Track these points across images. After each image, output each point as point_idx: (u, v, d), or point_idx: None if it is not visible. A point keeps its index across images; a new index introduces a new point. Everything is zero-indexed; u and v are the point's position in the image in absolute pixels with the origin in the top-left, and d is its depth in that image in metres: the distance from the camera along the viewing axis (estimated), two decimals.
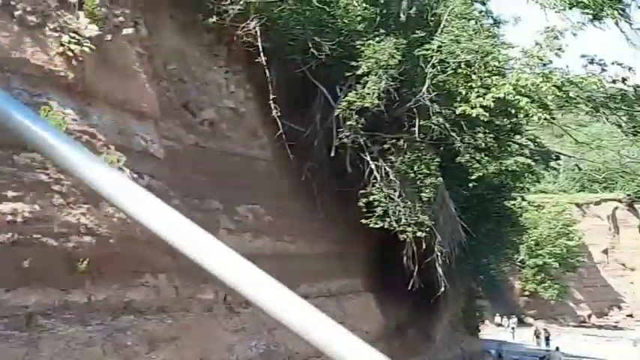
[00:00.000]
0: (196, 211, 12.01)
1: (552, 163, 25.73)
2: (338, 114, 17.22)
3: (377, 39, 17.12)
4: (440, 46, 16.49)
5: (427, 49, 17.01)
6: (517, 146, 21.77)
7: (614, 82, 16.33)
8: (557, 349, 36.07)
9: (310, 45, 16.21)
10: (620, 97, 17.01)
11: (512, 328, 60.23)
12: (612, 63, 15.46)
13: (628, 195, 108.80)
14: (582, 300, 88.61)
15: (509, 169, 22.05)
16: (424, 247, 17.70)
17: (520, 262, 73.53)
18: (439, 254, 18.07)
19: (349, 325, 18.34)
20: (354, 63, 17.07)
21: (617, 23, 14.11)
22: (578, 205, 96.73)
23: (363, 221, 17.59)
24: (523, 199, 36.61)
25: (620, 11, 13.53)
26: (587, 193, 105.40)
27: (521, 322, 68.24)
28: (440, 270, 18.28)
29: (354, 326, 18.53)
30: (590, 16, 13.17)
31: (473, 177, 19.19)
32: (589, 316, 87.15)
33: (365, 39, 17.32)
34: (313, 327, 2.28)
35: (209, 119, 14.62)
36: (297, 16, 16.27)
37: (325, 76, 17.42)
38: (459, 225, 18.24)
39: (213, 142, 14.69)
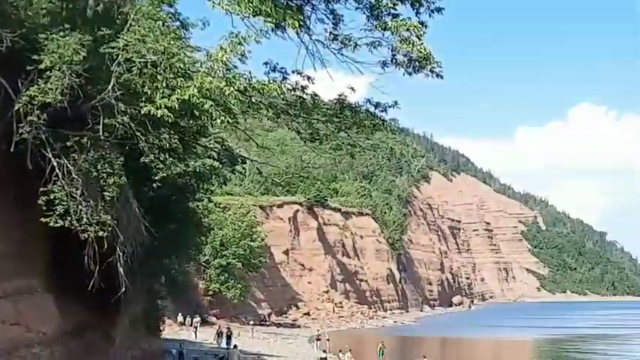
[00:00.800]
0: None
1: (238, 167, 26.51)
2: (18, 108, 16.49)
3: (61, 33, 16.64)
4: (126, 45, 16.37)
5: (113, 47, 16.79)
6: (203, 148, 22.14)
7: (294, 89, 17.19)
8: (236, 347, 37.25)
9: None
10: (299, 105, 18.00)
11: (195, 328, 60.91)
12: (293, 72, 16.29)
13: (308, 199, 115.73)
14: (263, 299, 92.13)
15: (195, 170, 22.40)
16: (106, 246, 17.47)
17: (205, 262, 74.73)
18: (121, 254, 17.92)
19: (24, 326, 17.59)
20: (36, 57, 16.45)
21: (297, 33, 14.88)
22: (262, 207, 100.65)
23: (43, 220, 16.98)
24: (210, 201, 37.36)
25: (301, 22, 14.29)
26: (271, 196, 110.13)
27: (205, 322, 69.24)
28: (121, 270, 18.12)
29: (30, 327, 17.82)
30: (273, 25, 13.79)
31: (157, 177, 19.29)
32: (269, 315, 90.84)
33: (49, 33, 16.76)
34: None
35: None
36: None
37: (6, 69, 16.57)
38: (143, 225, 18.21)
39: None
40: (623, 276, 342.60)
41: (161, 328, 24.69)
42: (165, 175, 19.55)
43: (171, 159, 19.37)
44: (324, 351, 49.14)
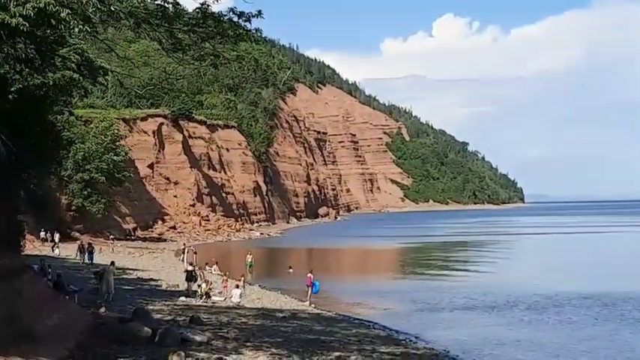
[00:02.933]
0: None
1: (100, 78, 25.65)
2: None
3: None
4: None
5: None
6: (62, 60, 21.29)
7: None
8: (113, 263, 36.79)
9: None
10: (160, 14, 17.51)
11: (54, 243, 59.62)
12: None
13: (173, 112, 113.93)
14: (128, 213, 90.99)
15: (54, 82, 21.53)
16: None
17: (67, 177, 72.86)
18: None
19: None
20: None
21: None
22: (125, 120, 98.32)
23: None
24: (71, 114, 36.24)
25: None
26: (134, 109, 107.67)
27: (69, 237, 67.95)
28: None
29: None
30: None
31: (13, 89, 18.45)
32: (134, 229, 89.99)
33: None
34: None
35: None
36: None
37: None
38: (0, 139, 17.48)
39: None
40: (484, 185, 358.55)
41: (21, 244, 23.99)
42: (21, 86, 18.71)
43: (28, 70, 18.54)
44: (191, 264, 49.08)
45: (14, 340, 17.91)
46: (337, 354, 21.87)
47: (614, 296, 39.77)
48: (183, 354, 19.58)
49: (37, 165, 23.72)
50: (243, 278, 42.26)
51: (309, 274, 40.27)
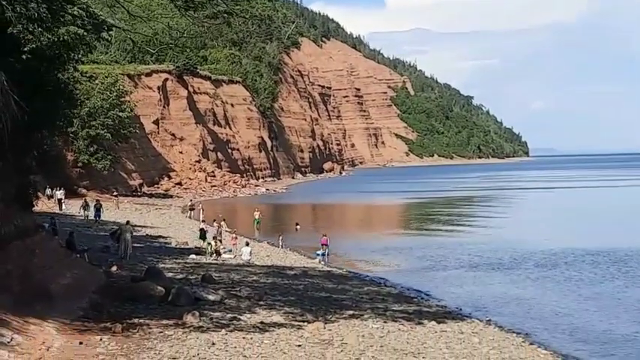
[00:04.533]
0: None
1: (104, 34, 25.31)
2: None
3: None
4: None
5: None
6: (70, 17, 21.03)
7: None
8: (128, 222, 36.89)
9: None
10: None
11: (59, 200, 59.48)
12: None
13: (177, 67, 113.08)
14: (134, 170, 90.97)
15: (63, 39, 21.26)
16: None
17: (73, 133, 72.68)
18: None
19: None
20: None
21: None
22: (130, 76, 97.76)
23: None
24: (76, 70, 35.86)
25: None
26: (139, 64, 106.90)
27: (74, 194, 67.98)
28: None
29: None
30: None
31: (26, 49, 18.28)
32: (140, 185, 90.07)
33: None
34: None
35: None
36: None
37: None
38: (12, 99, 17.32)
39: None
40: (489, 139, 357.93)
41: (34, 203, 24.01)
42: (34, 46, 18.51)
43: (40, 29, 18.31)
44: (203, 220, 49.40)
45: (29, 300, 18.02)
46: (350, 312, 22.00)
47: (622, 252, 39.85)
48: (197, 313, 19.75)
49: (49, 124, 23.59)
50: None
51: (324, 236, 40.79)
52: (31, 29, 18.20)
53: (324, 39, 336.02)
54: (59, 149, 70.74)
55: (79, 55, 24.67)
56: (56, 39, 19.61)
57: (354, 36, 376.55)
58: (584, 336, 21.99)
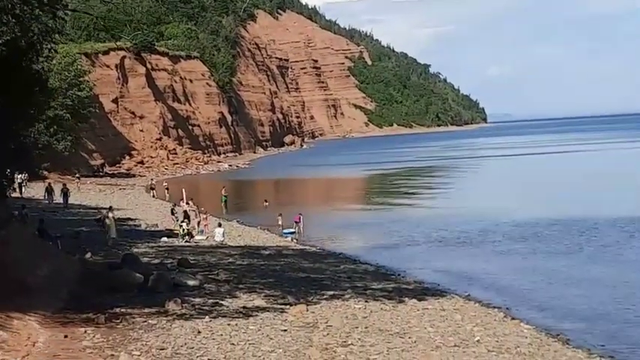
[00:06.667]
0: None
1: (60, 12, 24.69)
2: None
3: None
4: None
5: None
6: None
7: None
8: (111, 208, 36.55)
9: None
10: None
11: (20, 185, 58.38)
12: None
13: (134, 44, 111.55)
14: (95, 150, 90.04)
15: (36, 29, 20.85)
16: None
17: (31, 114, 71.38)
18: None
19: None
20: None
21: None
22: (87, 54, 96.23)
23: None
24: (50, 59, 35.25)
25: None
26: (95, 42, 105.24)
27: (36, 176, 66.96)
28: None
29: None
30: None
31: (0, 42, 17.95)
32: (102, 165, 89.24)
33: None
34: None
35: None
36: None
37: None
38: None
39: None
40: (447, 107, 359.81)
41: (8, 193, 23.68)
42: (9, 38, 18.17)
43: (14, 21, 17.98)
44: (182, 201, 49.21)
45: (8, 293, 17.80)
46: (331, 292, 22.12)
47: (590, 222, 40.34)
48: (179, 300, 19.67)
49: (25, 116, 23.24)
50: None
51: (299, 214, 41.06)
52: (5, 21, 17.87)
53: (279, 11, 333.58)
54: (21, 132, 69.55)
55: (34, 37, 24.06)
56: (31, 29, 19.26)
57: (310, 7, 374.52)
58: (561, 310, 22.32)
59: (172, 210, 42.44)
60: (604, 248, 32.73)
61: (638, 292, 24.65)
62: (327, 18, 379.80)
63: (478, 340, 17.28)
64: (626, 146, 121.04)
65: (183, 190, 58.66)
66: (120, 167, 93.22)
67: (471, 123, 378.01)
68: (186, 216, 38.73)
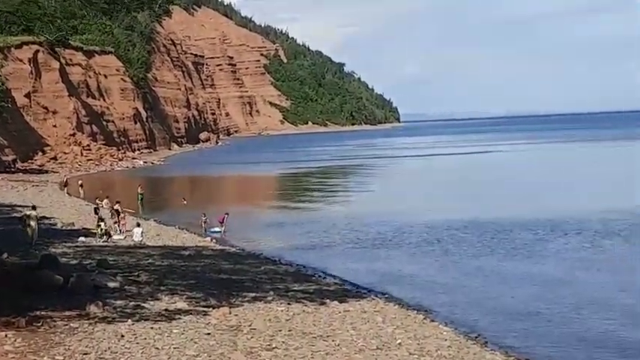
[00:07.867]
0: None
1: None
2: None
3: None
4: None
5: None
6: None
7: None
8: (34, 207, 35.64)
9: None
10: None
11: None
12: None
13: (48, 38, 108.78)
14: (7, 145, 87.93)
15: None
16: None
17: None
18: None
19: None
20: None
21: None
22: None
23: None
24: None
25: None
26: (7, 35, 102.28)
27: None
28: None
29: None
30: None
31: None
32: (14, 161, 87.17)
33: None
34: None
35: None
36: None
37: None
38: None
39: None
40: (361, 106, 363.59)
41: None
42: None
43: None
44: (97, 199, 48.44)
45: None
46: (253, 294, 22.31)
47: (504, 222, 41.30)
48: (100, 303, 19.57)
49: None
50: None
51: (225, 214, 41.11)
52: None
53: (195, 7, 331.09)
54: None
55: None
56: None
57: (226, 4, 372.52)
58: (479, 309, 22.85)
59: (96, 209, 41.95)
60: (515, 250, 33.53)
61: (555, 290, 25.40)
62: (242, 15, 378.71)
63: (400, 343, 17.62)
64: (537, 147, 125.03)
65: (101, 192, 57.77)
66: (32, 163, 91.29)
67: (385, 122, 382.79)
68: (101, 218, 38.24)
